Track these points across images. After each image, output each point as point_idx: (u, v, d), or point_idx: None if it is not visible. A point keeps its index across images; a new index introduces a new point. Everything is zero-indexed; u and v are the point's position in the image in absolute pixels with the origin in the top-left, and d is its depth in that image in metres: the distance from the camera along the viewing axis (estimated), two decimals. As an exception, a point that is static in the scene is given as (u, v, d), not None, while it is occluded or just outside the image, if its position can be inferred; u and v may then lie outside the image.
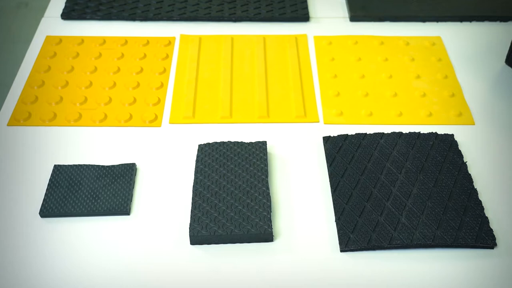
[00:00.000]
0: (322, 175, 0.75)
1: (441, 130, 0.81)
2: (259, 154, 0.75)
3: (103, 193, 0.71)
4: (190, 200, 0.71)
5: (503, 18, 1.02)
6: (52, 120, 0.82)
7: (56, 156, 0.77)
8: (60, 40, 0.96)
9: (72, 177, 0.72)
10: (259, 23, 1.01)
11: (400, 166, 0.74)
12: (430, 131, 0.80)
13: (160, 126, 0.82)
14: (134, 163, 0.75)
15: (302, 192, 0.73)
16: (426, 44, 0.97)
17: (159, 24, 1.01)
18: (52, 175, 0.73)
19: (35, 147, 0.78)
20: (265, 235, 0.66)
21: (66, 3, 1.03)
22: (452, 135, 0.79)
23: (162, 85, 0.88)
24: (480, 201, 0.70)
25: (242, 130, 0.81)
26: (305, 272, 0.64)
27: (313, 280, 0.64)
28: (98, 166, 0.74)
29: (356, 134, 0.79)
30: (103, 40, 0.96)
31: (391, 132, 0.79)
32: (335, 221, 0.69)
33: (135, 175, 0.74)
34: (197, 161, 0.74)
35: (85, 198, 0.70)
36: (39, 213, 0.69)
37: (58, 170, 0.73)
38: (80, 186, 0.71)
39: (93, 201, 0.70)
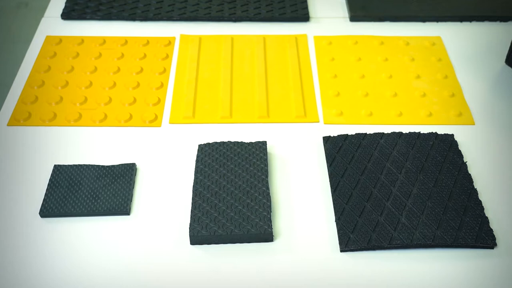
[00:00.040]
0: (322, 175, 0.75)
1: (441, 130, 0.81)
2: (259, 154, 0.75)
3: (103, 193, 0.71)
4: (190, 200, 0.71)
5: (503, 18, 1.02)
6: (52, 120, 0.82)
7: (56, 156, 0.77)
8: (60, 40, 0.96)
9: (72, 177, 0.72)
10: (259, 23, 1.01)
11: (400, 166, 0.74)
12: (430, 131, 0.80)
13: (160, 126, 0.82)
14: (134, 163, 0.75)
15: (302, 192, 0.73)
16: (426, 44, 0.97)
17: (159, 24, 1.01)
18: (52, 175, 0.73)
19: (35, 147, 0.78)
20: (265, 235, 0.66)
21: (66, 3, 1.03)
22: (452, 135, 0.79)
23: (162, 85, 0.88)
24: (480, 201, 0.70)
25: (242, 130, 0.81)
26: (305, 272, 0.64)
27: (313, 280, 0.64)
28: (98, 166, 0.74)
29: (356, 134, 0.79)
30: (103, 40, 0.96)
31: (391, 132, 0.79)
32: (335, 221, 0.69)
33: (135, 175, 0.74)
34: (197, 161, 0.74)
35: (85, 198, 0.70)
36: (39, 213, 0.69)
37: (58, 170, 0.73)
38: (80, 186, 0.71)
39: (93, 201, 0.70)
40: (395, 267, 0.65)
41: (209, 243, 0.67)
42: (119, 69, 0.91)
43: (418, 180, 0.73)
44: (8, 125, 0.81)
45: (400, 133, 0.79)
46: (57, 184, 0.71)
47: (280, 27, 1.00)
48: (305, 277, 0.64)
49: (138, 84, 0.88)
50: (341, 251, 0.66)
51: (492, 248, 0.67)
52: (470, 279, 0.64)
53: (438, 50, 0.96)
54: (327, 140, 0.78)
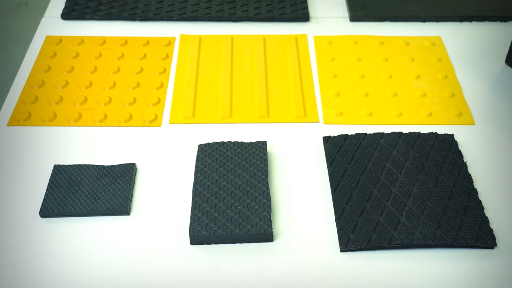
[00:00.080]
0: (322, 175, 0.75)
1: (441, 130, 0.81)
2: (259, 154, 0.75)
3: (103, 193, 0.71)
4: (190, 200, 0.71)
5: (503, 18, 1.02)
6: (52, 120, 0.82)
7: (56, 156, 0.77)
8: (60, 40, 0.96)
9: (72, 177, 0.72)
10: (259, 23, 1.01)
11: (400, 166, 0.74)
12: (430, 131, 0.80)
13: (160, 126, 0.82)
14: (134, 163, 0.75)
15: (302, 192, 0.73)
16: (426, 44, 0.97)
17: (159, 24, 1.01)
18: (52, 175, 0.73)
19: (35, 147, 0.78)
20: (265, 235, 0.66)
21: (66, 3, 1.03)
22: (452, 135, 0.79)
23: (162, 85, 0.88)
24: (480, 201, 0.70)
25: (242, 130, 0.81)
26: (305, 272, 0.64)
27: (313, 280, 0.64)
28: (98, 166, 0.74)
29: (356, 134, 0.79)
30: (103, 40, 0.96)
31: (391, 132, 0.79)
32: (335, 221, 0.69)
33: (135, 175, 0.74)
34: (197, 161, 0.74)
35: (85, 198, 0.70)
36: (39, 213, 0.69)
37: (58, 170, 0.73)
38: (80, 186, 0.71)
39: (93, 201, 0.70)
40: (395, 267, 0.65)
41: (209, 243, 0.67)
42: (119, 69, 0.91)
43: (418, 180, 0.73)
44: (8, 125, 0.81)
45: (400, 133, 0.79)
46: (57, 184, 0.71)
47: (280, 27, 1.00)
48: (305, 277, 0.64)
49: (138, 84, 0.88)
50: (341, 251, 0.66)
51: (492, 248, 0.67)
52: (470, 279, 0.64)
53: (438, 50, 0.96)
54: (327, 140, 0.78)
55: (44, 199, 0.70)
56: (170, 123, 0.82)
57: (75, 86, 0.87)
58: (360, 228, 0.67)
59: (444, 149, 0.77)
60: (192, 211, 0.68)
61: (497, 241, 0.67)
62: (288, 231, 0.69)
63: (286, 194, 0.73)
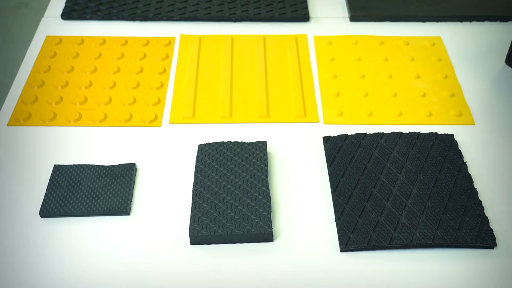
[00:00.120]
0: (322, 175, 0.75)
1: (441, 130, 0.81)
2: (259, 154, 0.75)
3: (103, 193, 0.71)
4: (190, 200, 0.71)
5: (503, 18, 1.02)
6: (52, 120, 0.82)
7: (56, 156, 0.77)
8: (60, 40, 0.96)
9: (72, 177, 0.72)
10: (259, 23, 1.01)
11: (400, 166, 0.74)
12: (430, 131, 0.80)
13: (160, 126, 0.82)
14: (134, 163, 0.75)
15: (302, 192, 0.73)
16: (426, 44, 0.97)
17: (159, 24, 1.01)
18: (52, 175, 0.73)
19: (35, 147, 0.78)
20: (265, 235, 0.66)
21: (66, 3, 1.03)
22: (452, 135, 0.79)
23: (162, 85, 0.88)
24: (480, 201, 0.70)
25: (242, 130, 0.81)
26: (305, 272, 0.64)
27: (313, 280, 0.64)
28: (98, 166, 0.74)
29: (356, 134, 0.79)
30: (103, 40, 0.96)
31: (391, 132, 0.79)
32: (335, 221, 0.69)
33: (135, 175, 0.74)
34: (197, 161, 0.74)
35: (85, 198, 0.70)
36: (39, 213, 0.69)
37: (58, 170, 0.73)
38: (80, 186, 0.71)
39: (93, 201, 0.70)
40: (395, 267, 0.65)
41: (209, 243, 0.67)
42: (119, 69, 0.91)
43: (418, 180, 0.73)
44: (8, 125, 0.81)
45: (400, 133, 0.79)
46: (57, 184, 0.71)
47: (280, 27, 1.00)
48: (305, 277, 0.64)
49: (138, 84, 0.88)
50: (341, 251, 0.66)
51: (492, 248, 0.67)
52: (470, 279, 0.64)
53: (438, 50, 0.96)
54: (327, 140, 0.78)
55: (44, 199, 0.70)
56: (170, 123, 0.82)
57: (75, 86, 0.87)
58: (360, 228, 0.67)
59: (444, 149, 0.77)
60: (192, 211, 0.68)
61: (497, 241, 0.67)
62: (288, 231, 0.68)
63: (286, 194, 0.73)
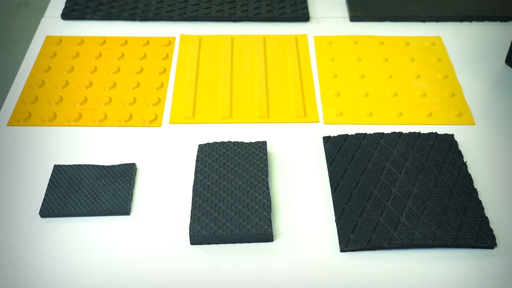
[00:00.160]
0: (322, 175, 0.75)
1: (441, 130, 0.81)
2: (259, 154, 0.75)
3: (103, 193, 0.71)
4: (190, 200, 0.71)
5: (503, 18, 1.02)
6: (52, 120, 0.82)
7: (56, 156, 0.77)
8: (60, 40, 0.96)
9: (72, 177, 0.72)
10: (259, 23, 1.01)
11: (400, 166, 0.74)
12: (430, 131, 0.80)
13: (160, 126, 0.82)
14: (134, 163, 0.75)
15: (302, 192, 0.73)
16: (426, 44, 0.97)
17: (159, 24, 1.01)
18: (52, 175, 0.73)
19: (35, 147, 0.78)
20: (265, 235, 0.66)
21: (66, 3, 1.03)
22: (452, 135, 0.79)
23: (162, 85, 0.88)
24: (480, 201, 0.70)
25: (242, 130, 0.81)
26: (305, 272, 0.64)
27: (313, 280, 0.64)
28: (98, 166, 0.74)
29: (356, 134, 0.79)
30: (103, 40, 0.96)
31: (391, 132, 0.79)
32: (335, 221, 0.69)
33: (135, 175, 0.74)
34: (197, 161, 0.74)
35: (85, 198, 0.70)
36: (39, 213, 0.69)
37: (58, 170, 0.73)
38: (80, 186, 0.71)
39: (93, 201, 0.70)
40: (395, 267, 0.65)
41: (209, 243, 0.67)
42: (119, 69, 0.91)
43: (418, 180, 0.73)
44: (8, 125, 0.81)
45: (400, 133, 0.79)
46: (57, 184, 0.71)
47: (280, 27, 1.00)
48: (305, 277, 0.64)
49: (138, 84, 0.88)
50: (341, 251, 0.66)
51: (492, 248, 0.67)
52: (470, 279, 0.64)
53: (438, 50, 0.96)
54: (327, 140, 0.78)
55: (44, 199, 0.70)
56: (170, 123, 0.82)
57: (75, 86, 0.87)
58: (360, 228, 0.67)
59: (444, 149, 0.77)
60: (192, 211, 0.68)
61: (497, 241, 0.67)
62: (288, 231, 0.68)
63: (286, 194, 0.73)
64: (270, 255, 0.66)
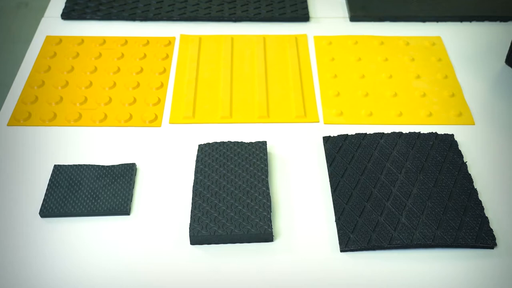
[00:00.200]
0: (322, 175, 0.75)
1: (441, 130, 0.81)
2: (259, 154, 0.75)
3: (103, 193, 0.71)
4: (190, 200, 0.71)
5: (503, 18, 1.02)
6: (52, 120, 0.82)
7: (56, 156, 0.77)
8: (60, 40, 0.96)
9: (72, 177, 0.72)
10: (259, 23, 1.01)
11: (400, 166, 0.74)
12: (430, 131, 0.80)
13: (160, 126, 0.82)
14: (134, 163, 0.75)
15: (302, 192, 0.73)
16: (426, 44, 0.97)
17: (159, 24, 1.01)
18: (52, 175, 0.73)
19: (35, 147, 0.78)
20: (265, 235, 0.66)
21: (66, 3, 1.03)
22: (452, 135, 0.79)
23: (162, 85, 0.88)
24: (480, 201, 0.70)
25: (242, 130, 0.81)
26: (305, 272, 0.64)
27: (313, 280, 0.64)
28: (98, 166, 0.74)
29: (356, 134, 0.79)
30: (103, 40, 0.96)
31: (391, 132, 0.79)
32: (335, 221, 0.69)
33: (135, 175, 0.74)
34: (197, 161, 0.74)
35: (85, 198, 0.70)
36: (39, 213, 0.69)
37: (58, 170, 0.73)
38: (80, 186, 0.71)
39: (93, 201, 0.70)
40: (395, 267, 0.65)
41: (209, 243, 0.67)
42: (119, 69, 0.91)
43: (418, 180, 0.73)
44: (8, 125, 0.81)
45: (400, 133, 0.79)
46: (57, 184, 0.71)
47: (280, 27, 1.00)
48: (305, 277, 0.64)
49: (138, 84, 0.88)
50: (341, 251, 0.66)
51: (492, 248, 0.67)
52: (470, 279, 0.64)
53: (438, 50, 0.96)
54: (327, 140, 0.78)
55: (44, 199, 0.70)
56: (170, 123, 0.82)
57: (75, 86, 0.87)
58: (360, 228, 0.67)
59: (444, 149, 0.77)
60: (192, 211, 0.68)
61: (497, 241, 0.67)
62: (288, 231, 0.68)
63: (286, 194, 0.73)
64: (270, 255, 0.66)
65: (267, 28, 1.00)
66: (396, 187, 0.72)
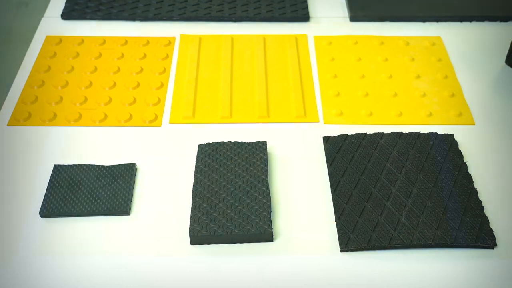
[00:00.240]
0: (322, 175, 0.75)
1: (441, 130, 0.81)
2: (259, 154, 0.75)
3: (103, 193, 0.71)
4: (190, 200, 0.71)
5: (503, 18, 1.02)
6: (52, 120, 0.82)
7: (56, 156, 0.77)
8: (60, 40, 0.96)
9: (72, 177, 0.72)
10: (259, 23, 1.01)
11: (400, 166, 0.74)
12: (430, 131, 0.80)
13: (160, 126, 0.82)
14: (134, 163, 0.75)
15: (302, 192, 0.73)
16: (426, 44, 0.97)
17: (159, 24, 1.01)
18: (52, 175, 0.73)
19: (35, 147, 0.78)
20: (265, 235, 0.66)
21: (66, 3, 1.03)
22: (452, 135, 0.79)
23: (162, 85, 0.88)
24: (480, 201, 0.70)
25: (242, 130, 0.81)
26: (305, 272, 0.64)
27: (313, 280, 0.64)
28: (98, 166, 0.74)
29: (356, 134, 0.79)
30: (103, 40, 0.96)
31: (391, 132, 0.79)
32: (335, 221, 0.69)
33: (135, 175, 0.74)
34: (197, 161, 0.74)
35: (85, 198, 0.70)
36: (39, 213, 0.69)
37: (58, 170, 0.73)
38: (80, 186, 0.71)
39: (93, 201, 0.70)
40: (395, 267, 0.65)
41: (209, 243, 0.67)
42: (119, 69, 0.91)
43: (418, 180, 0.73)
44: (8, 125, 0.81)
45: (400, 133, 0.79)
46: (57, 184, 0.71)
47: (280, 27, 1.00)
48: (305, 277, 0.64)
49: (138, 84, 0.88)
50: (341, 251, 0.66)
51: (492, 248, 0.67)
52: (470, 279, 0.64)
53: (438, 50, 0.96)
54: (327, 140, 0.78)
55: (44, 199, 0.70)
56: (170, 123, 0.82)
57: (75, 86, 0.87)
58: (360, 228, 0.67)
59: (444, 149, 0.77)
60: (192, 211, 0.68)
61: (497, 241, 0.67)
62: (288, 231, 0.68)
63: (286, 194, 0.73)
64: (270, 255, 0.66)
65: (267, 28, 1.00)
66: (396, 187, 0.72)
